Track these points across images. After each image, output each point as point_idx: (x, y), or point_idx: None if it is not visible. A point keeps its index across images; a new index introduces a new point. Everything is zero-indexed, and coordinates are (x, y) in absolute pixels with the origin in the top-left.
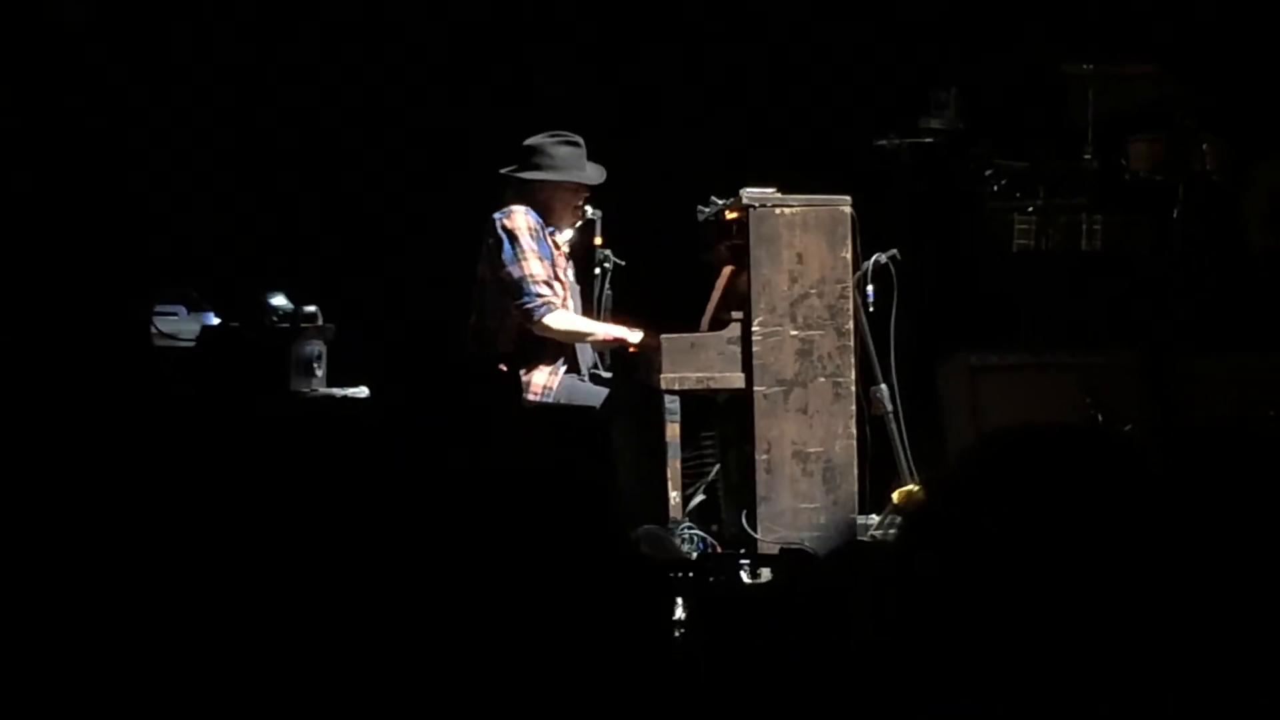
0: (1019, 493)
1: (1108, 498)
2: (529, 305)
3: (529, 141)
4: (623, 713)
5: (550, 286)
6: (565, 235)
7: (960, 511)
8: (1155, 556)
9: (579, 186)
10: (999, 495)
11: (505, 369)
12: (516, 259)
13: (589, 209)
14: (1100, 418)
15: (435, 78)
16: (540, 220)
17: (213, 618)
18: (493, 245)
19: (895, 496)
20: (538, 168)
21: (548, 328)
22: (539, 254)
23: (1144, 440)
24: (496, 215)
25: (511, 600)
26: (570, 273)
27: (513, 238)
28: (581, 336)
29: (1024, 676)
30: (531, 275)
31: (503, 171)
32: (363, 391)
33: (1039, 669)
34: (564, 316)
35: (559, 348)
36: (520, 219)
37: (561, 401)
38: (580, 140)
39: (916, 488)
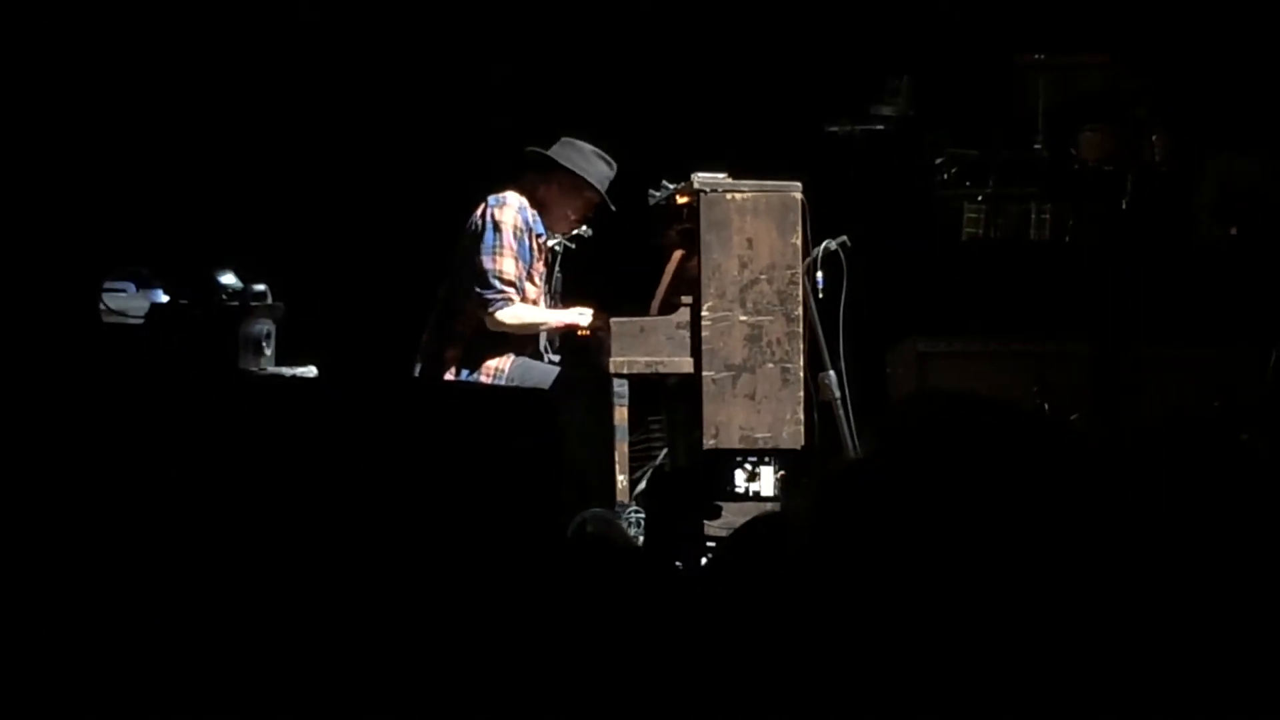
0: (946, 468)
1: (1040, 479)
2: (487, 297)
3: (572, 138)
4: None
5: (514, 286)
6: (552, 241)
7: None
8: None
9: (590, 201)
10: (924, 470)
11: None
12: (493, 251)
13: (585, 228)
14: (1047, 406)
15: (385, 59)
16: (530, 221)
17: (160, 593)
18: (478, 227)
19: None
20: (570, 160)
21: (500, 323)
22: (516, 253)
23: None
24: (491, 199)
25: (459, 581)
26: (540, 278)
27: (497, 229)
28: (534, 327)
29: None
30: (500, 271)
31: (530, 149)
32: (311, 370)
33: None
34: (516, 310)
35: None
36: (511, 214)
37: (514, 383)
38: (615, 165)
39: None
